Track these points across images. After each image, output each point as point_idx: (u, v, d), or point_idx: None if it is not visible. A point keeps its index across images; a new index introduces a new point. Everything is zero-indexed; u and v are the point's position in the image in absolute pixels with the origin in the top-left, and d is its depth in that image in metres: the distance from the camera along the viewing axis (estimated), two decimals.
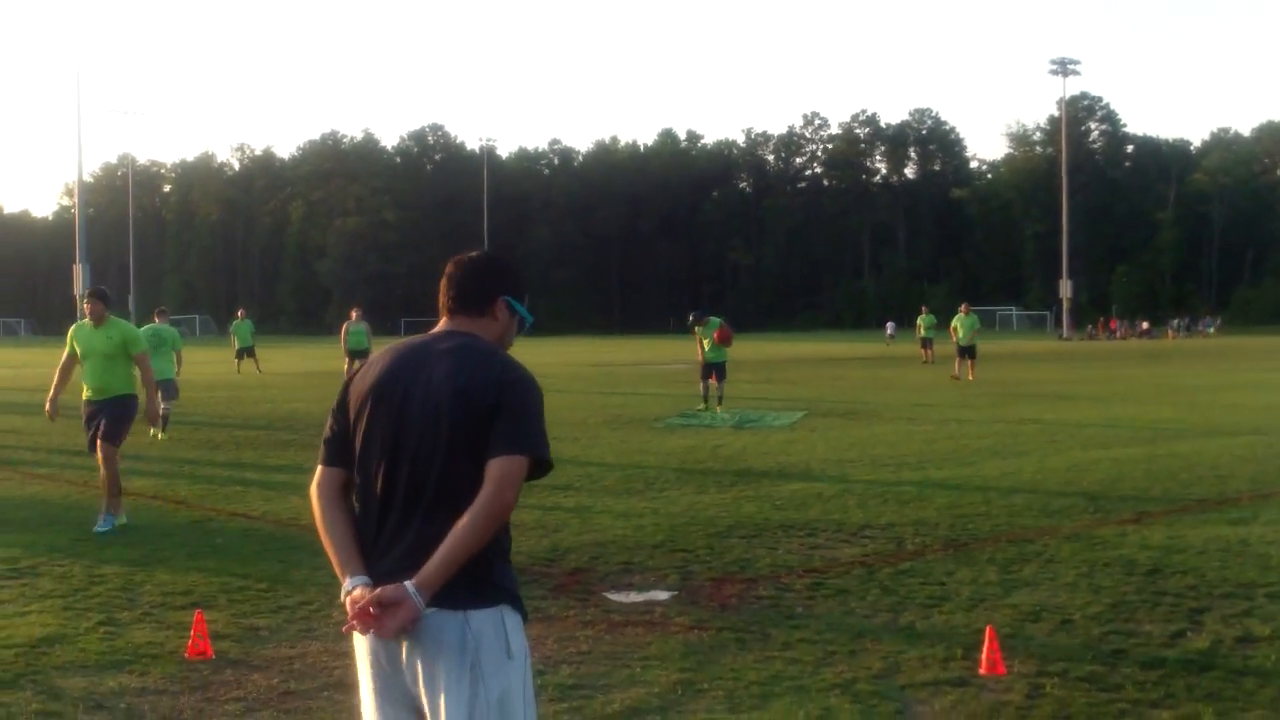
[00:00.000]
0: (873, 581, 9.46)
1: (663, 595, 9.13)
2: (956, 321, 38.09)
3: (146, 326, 22.32)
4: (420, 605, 3.44)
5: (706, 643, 7.78)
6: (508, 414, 3.61)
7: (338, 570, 3.65)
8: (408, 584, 3.44)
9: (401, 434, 3.66)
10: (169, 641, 7.88)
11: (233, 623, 8.34)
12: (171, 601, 8.99)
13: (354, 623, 3.48)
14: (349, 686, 6.82)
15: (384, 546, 3.62)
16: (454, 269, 3.94)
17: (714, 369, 26.20)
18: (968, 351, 37.04)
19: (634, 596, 9.10)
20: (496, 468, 3.54)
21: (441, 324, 3.91)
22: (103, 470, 12.20)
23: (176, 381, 22.59)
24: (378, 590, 3.47)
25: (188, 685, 6.97)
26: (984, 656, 7.12)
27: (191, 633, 7.65)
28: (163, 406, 20.59)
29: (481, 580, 3.57)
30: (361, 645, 3.67)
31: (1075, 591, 9.07)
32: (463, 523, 3.49)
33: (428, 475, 3.60)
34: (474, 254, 4.02)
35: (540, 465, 3.65)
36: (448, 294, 3.91)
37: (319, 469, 3.84)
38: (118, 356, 12.40)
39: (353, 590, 3.55)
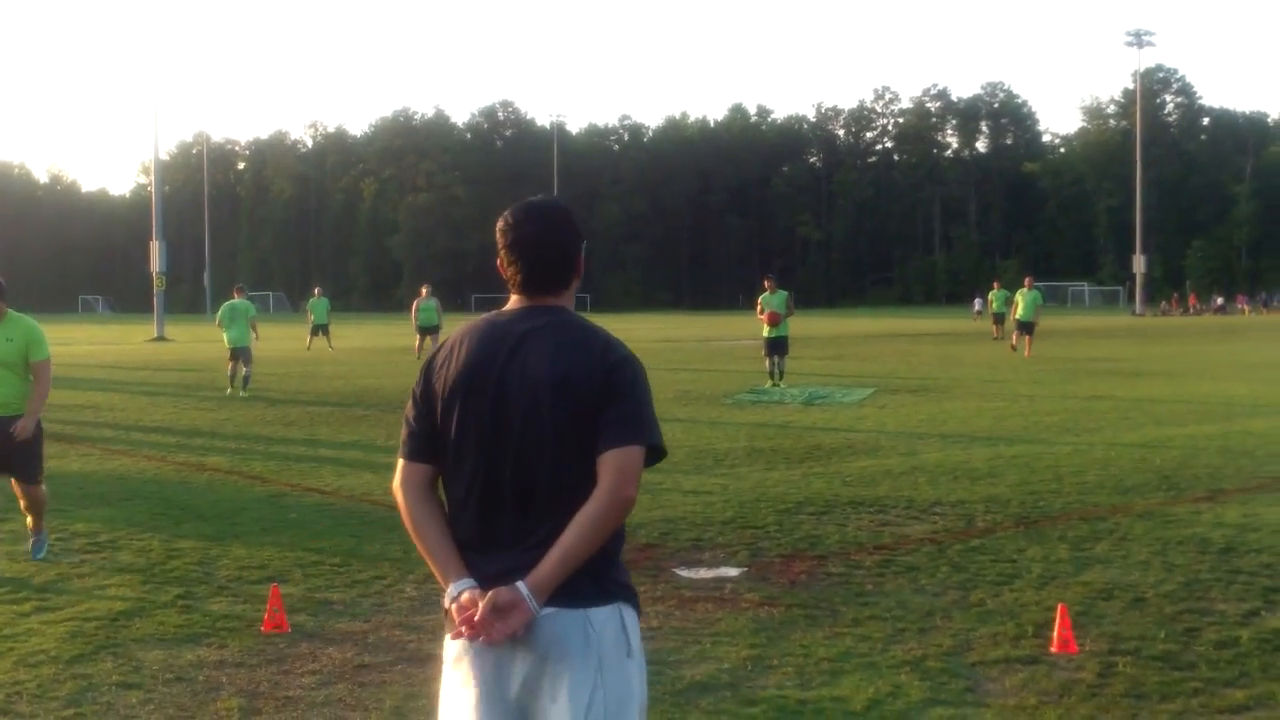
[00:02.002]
0: (943, 559, 9.45)
1: (733, 572, 9.16)
2: (1018, 296, 38.05)
3: (225, 304, 25.89)
4: (535, 609, 3.23)
5: (776, 619, 7.80)
6: (618, 401, 3.34)
7: (438, 574, 3.40)
8: (521, 586, 3.23)
9: (500, 427, 3.36)
10: (245, 615, 8.01)
11: (307, 597, 8.46)
12: (247, 575, 9.12)
13: (463, 629, 3.25)
14: (422, 660, 6.92)
15: (489, 547, 3.37)
16: (524, 236, 3.50)
17: (776, 345, 26.19)
18: (1026, 327, 36.81)
19: (704, 573, 9.13)
20: (613, 461, 3.29)
21: (519, 300, 3.53)
22: (23, 501, 9.73)
23: (251, 349, 25.50)
24: (490, 593, 3.23)
25: (264, 658, 7.08)
26: (1055, 634, 7.09)
27: (267, 606, 7.77)
28: (244, 369, 24.96)
29: (601, 577, 3.35)
30: (460, 651, 3.38)
31: (1148, 570, 9.01)
32: (580, 521, 3.26)
33: (535, 471, 3.33)
34: (540, 214, 3.55)
35: (654, 453, 3.39)
36: (524, 268, 3.49)
37: (401, 463, 3.52)
38: (17, 364, 9.52)
39: (460, 595, 3.30)
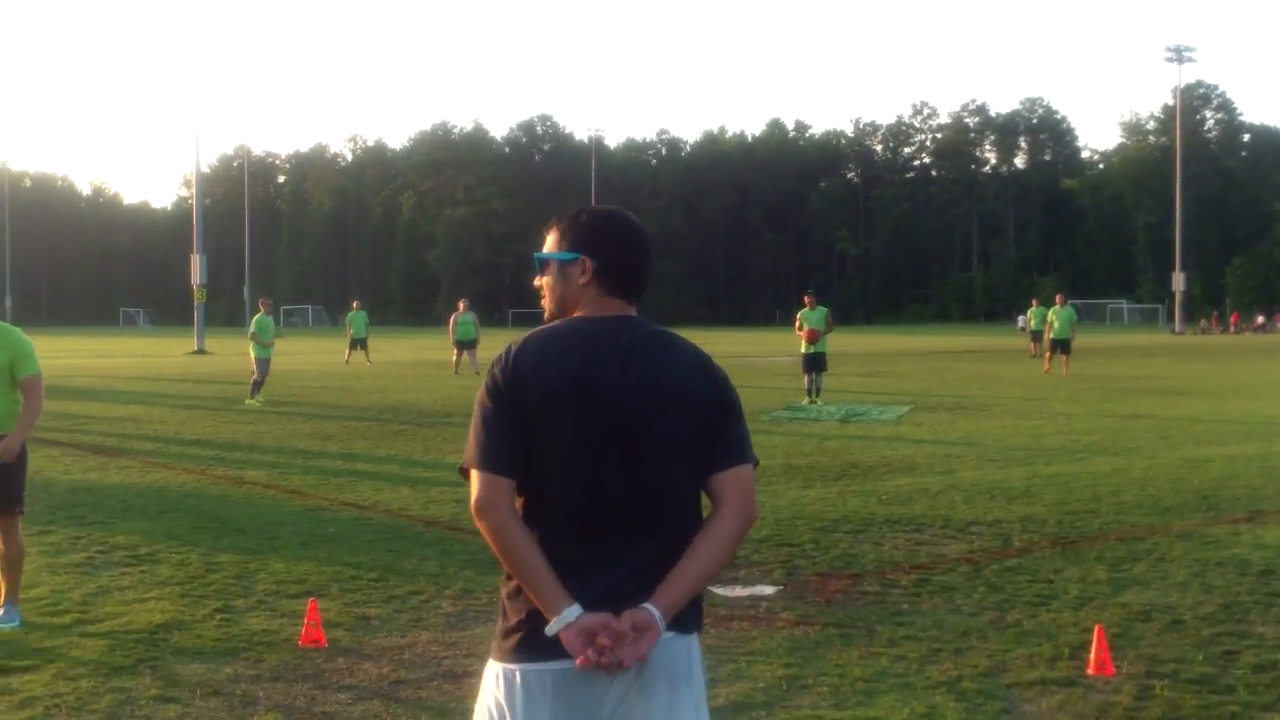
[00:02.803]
0: (979, 579, 9.41)
1: (768, 590, 9.15)
2: (1052, 314, 37.77)
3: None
4: (664, 632, 3.06)
5: (812, 638, 7.79)
6: (731, 420, 3.27)
7: (544, 597, 3.07)
8: (653, 608, 3.04)
9: (619, 441, 3.15)
10: (282, 629, 8.05)
11: (344, 611, 8.49)
12: (285, 590, 9.17)
13: (594, 655, 2.98)
14: (459, 676, 6.95)
15: (591, 570, 3.12)
16: (635, 246, 3.45)
17: (814, 362, 26.16)
18: (1062, 345, 36.56)
19: (739, 591, 9.13)
20: (734, 480, 3.21)
21: (599, 305, 3.34)
22: (1, 546, 8.44)
23: (258, 361, 27.34)
24: (627, 615, 3.01)
25: (300, 673, 7.11)
26: (1092, 656, 7.06)
27: (305, 621, 7.81)
28: (255, 373, 26.91)
29: (699, 603, 3.27)
30: (534, 678, 3.13)
31: (1186, 591, 8.96)
32: (712, 542, 3.15)
33: (659, 487, 3.17)
34: (635, 224, 3.50)
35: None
36: (632, 275, 3.39)
37: (483, 477, 3.13)
38: (1, 382, 8.33)
39: (577, 619, 3.03)
